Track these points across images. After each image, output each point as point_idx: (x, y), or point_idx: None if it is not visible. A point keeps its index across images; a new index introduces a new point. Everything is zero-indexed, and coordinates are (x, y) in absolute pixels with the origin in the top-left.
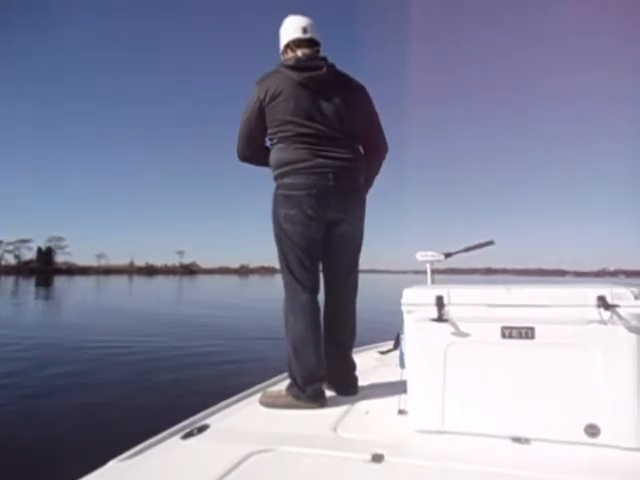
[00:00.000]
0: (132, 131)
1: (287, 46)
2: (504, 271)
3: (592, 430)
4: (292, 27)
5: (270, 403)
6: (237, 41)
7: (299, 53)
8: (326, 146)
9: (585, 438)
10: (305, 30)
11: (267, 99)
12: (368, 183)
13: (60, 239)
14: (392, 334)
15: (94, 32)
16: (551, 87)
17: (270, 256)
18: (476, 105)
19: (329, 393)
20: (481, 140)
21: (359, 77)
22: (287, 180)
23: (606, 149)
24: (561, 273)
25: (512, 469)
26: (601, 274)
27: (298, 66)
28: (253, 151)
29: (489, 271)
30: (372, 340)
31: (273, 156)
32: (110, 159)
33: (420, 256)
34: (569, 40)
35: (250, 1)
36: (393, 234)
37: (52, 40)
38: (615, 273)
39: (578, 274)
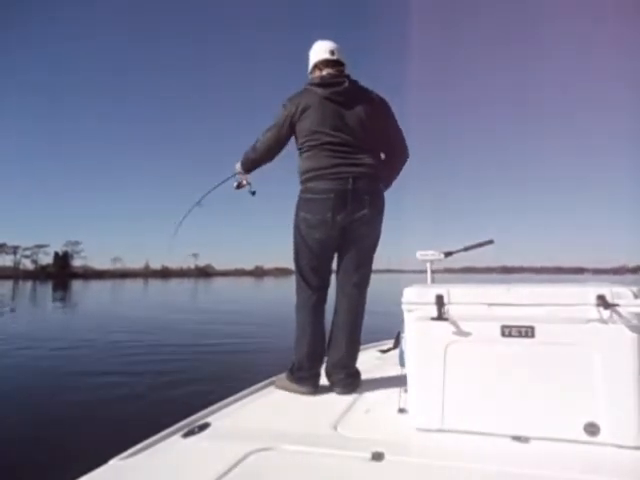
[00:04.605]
0: (145, 135)
1: (315, 66)
2: (521, 269)
3: (592, 429)
4: (321, 50)
5: (277, 384)
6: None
7: (325, 72)
8: (349, 153)
9: (585, 437)
10: (332, 52)
11: (298, 114)
12: (387, 184)
13: (76, 243)
14: (392, 333)
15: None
16: (553, 87)
17: (285, 257)
18: (477, 104)
19: (330, 392)
20: (485, 138)
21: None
22: (309, 184)
23: (618, 147)
24: (580, 271)
25: (512, 467)
26: (620, 271)
27: (323, 83)
28: (268, 160)
29: (505, 269)
30: (372, 339)
31: (301, 164)
32: (123, 164)
33: (420, 255)
34: (569, 48)
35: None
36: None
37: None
38: (635, 270)
39: (597, 271)
